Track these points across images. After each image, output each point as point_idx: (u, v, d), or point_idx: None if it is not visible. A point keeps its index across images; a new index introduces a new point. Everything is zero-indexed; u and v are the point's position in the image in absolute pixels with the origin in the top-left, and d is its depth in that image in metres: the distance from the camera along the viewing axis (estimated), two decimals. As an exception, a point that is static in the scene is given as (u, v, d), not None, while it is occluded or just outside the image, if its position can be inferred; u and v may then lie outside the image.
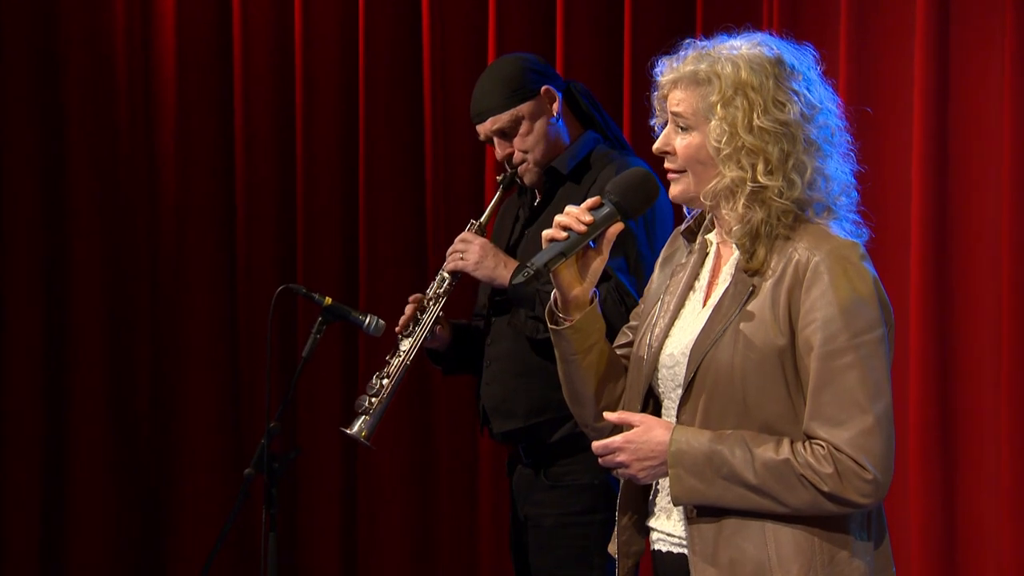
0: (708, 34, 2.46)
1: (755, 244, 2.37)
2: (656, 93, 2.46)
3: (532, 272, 2.37)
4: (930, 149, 3.71)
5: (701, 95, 2.38)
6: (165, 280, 5.15)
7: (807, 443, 2.30)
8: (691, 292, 2.48)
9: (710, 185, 2.39)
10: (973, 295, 3.70)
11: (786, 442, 2.30)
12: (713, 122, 2.37)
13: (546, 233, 2.42)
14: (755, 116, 2.35)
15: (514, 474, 3.56)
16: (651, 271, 3.34)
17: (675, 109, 2.41)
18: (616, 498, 2.49)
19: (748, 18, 4.02)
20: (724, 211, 2.39)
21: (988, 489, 3.68)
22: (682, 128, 2.41)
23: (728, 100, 2.36)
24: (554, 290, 2.47)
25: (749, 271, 2.37)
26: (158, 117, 5.15)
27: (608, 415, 2.37)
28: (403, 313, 3.55)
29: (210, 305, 5.12)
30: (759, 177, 2.35)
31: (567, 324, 2.47)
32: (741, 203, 2.36)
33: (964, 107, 3.70)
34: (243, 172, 5.07)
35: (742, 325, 2.34)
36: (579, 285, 2.45)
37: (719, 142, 2.36)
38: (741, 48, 2.40)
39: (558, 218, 2.42)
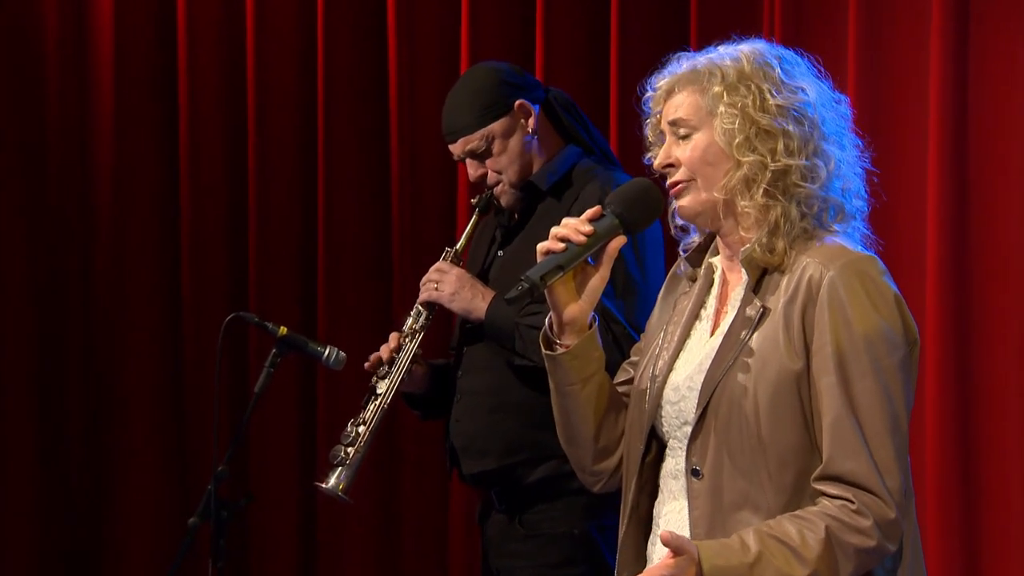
0: (703, 34, 2.47)
1: (773, 237, 2.36)
2: (649, 120, 2.47)
3: (527, 286, 2.36)
4: (947, 163, 3.72)
5: (702, 91, 2.39)
6: (100, 307, 5.13)
7: (826, 501, 2.28)
8: (697, 321, 2.47)
9: (723, 181, 2.38)
10: (996, 323, 3.70)
11: (812, 515, 2.27)
12: (722, 109, 2.37)
13: (541, 246, 2.41)
14: (767, 97, 2.36)
15: (486, 521, 3.54)
16: (641, 296, 3.33)
17: (672, 116, 2.41)
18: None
19: (747, 14, 4.04)
20: (740, 205, 2.37)
21: (1015, 535, 3.67)
22: (683, 136, 2.41)
23: (733, 87, 2.37)
24: (549, 314, 2.46)
25: (770, 268, 2.36)
26: (93, 126, 5.14)
27: (664, 537, 2.26)
28: (369, 346, 3.54)
29: (151, 335, 5.10)
30: (780, 158, 2.35)
31: (563, 350, 2.46)
32: (761, 192, 2.35)
33: (985, 117, 3.71)
34: (188, 189, 5.06)
35: (755, 350, 2.33)
36: (577, 306, 2.44)
37: (732, 125, 2.36)
38: (740, 47, 2.42)
39: (555, 230, 2.41)
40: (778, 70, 2.38)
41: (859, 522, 2.26)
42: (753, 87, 2.36)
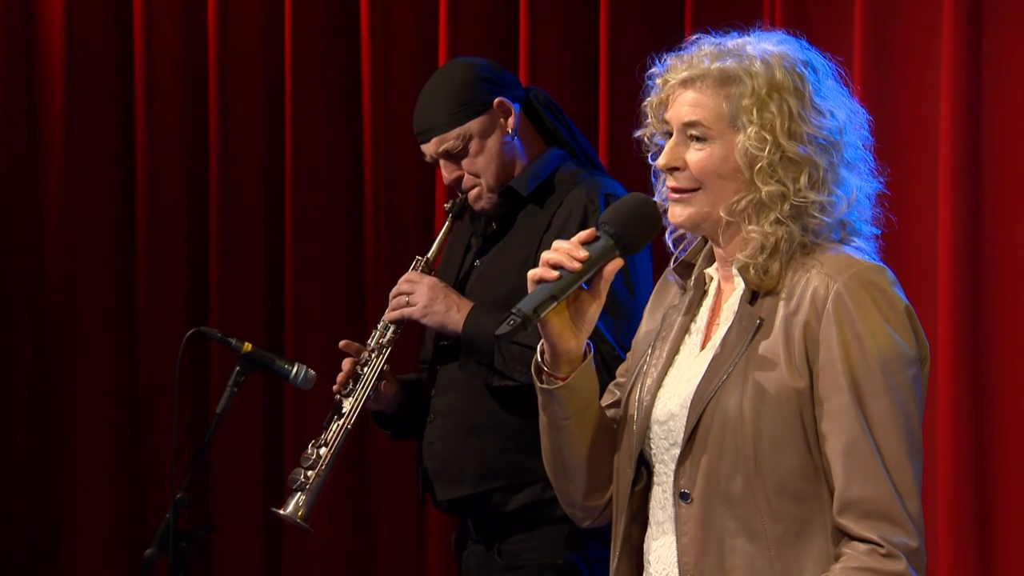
0: (699, 30, 2.44)
1: (770, 259, 2.35)
2: (652, 97, 2.43)
3: (519, 320, 2.33)
4: (960, 168, 3.72)
5: (728, 97, 2.35)
6: (50, 319, 5.11)
7: (851, 549, 2.26)
8: (687, 335, 2.46)
9: (732, 200, 2.36)
10: (1013, 336, 3.69)
11: (844, 573, 2.26)
12: (751, 128, 2.33)
13: (532, 273, 2.38)
14: (796, 121, 2.33)
15: (463, 552, 3.53)
16: (630, 314, 3.32)
17: (689, 117, 2.37)
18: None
19: (746, 7, 4.04)
20: (746, 229, 2.36)
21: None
22: (698, 138, 2.37)
23: (763, 102, 2.33)
24: (541, 342, 2.43)
25: (760, 291, 2.35)
26: (43, 126, 5.12)
27: None
28: (338, 364, 3.52)
29: (104, 351, 5.09)
30: (803, 192, 2.33)
31: (560, 382, 2.43)
32: (772, 220, 2.34)
33: (1000, 119, 3.71)
34: (145, 192, 5.05)
35: (750, 367, 2.32)
36: (572, 335, 2.41)
37: (760, 151, 2.32)
38: (766, 46, 2.38)
39: (546, 255, 2.38)
40: (809, 86, 2.35)
41: (893, 567, 2.25)
42: (784, 106, 2.33)
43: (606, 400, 2.56)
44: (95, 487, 5.07)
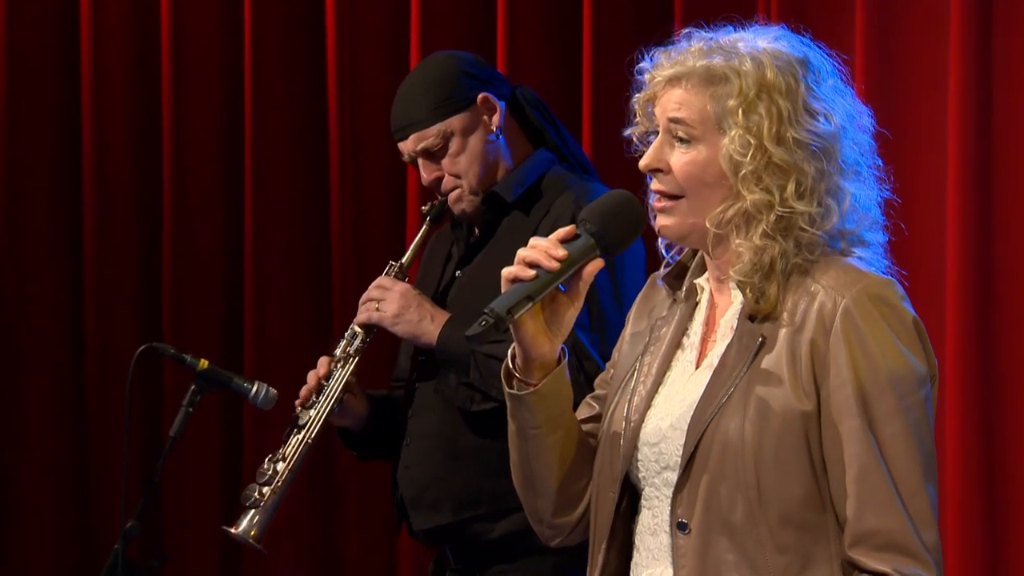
0: (689, 24, 2.44)
1: (766, 281, 2.34)
2: (640, 94, 2.43)
3: (491, 321, 2.32)
4: (969, 172, 3.73)
5: (714, 97, 2.35)
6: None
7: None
8: (678, 350, 2.45)
9: (717, 210, 2.36)
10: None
11: None
12: (735, 131, 2.33)
13: (507, 272, 2.37)
14: (785, 125, 2.33)
15: (440, 582, 3.54)
16: (618, 328, 3.32)
17: (675, 114, 2.37)
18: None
19: (742, 7, 4.04)
20: (734, 242, 2.36)
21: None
22: (682, 139, 2.37)
23: (751, 104, 2.33)
24: (512, 345, 2.42)
25: (757, 315, 2.34)
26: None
27: None
28: (301, 382, 3.51)
29: (49, 368, 5.07)
30: (790, 201, 2.33)
31: (530, 388, 2.42)
32: (760, 232, 2.34)
33: (1012, 118, 3.72)
34: (93, 198, 5.04)
35: (753, 387, 2.31)
36: (547, 339, 2.40)
37: (743, 156, 2.32)
38: (760, 42, 2.37)
39: (522, 252, 2.37)
40: (803, 87, 2.35)
41: None
42: (773, 108, 2.33)
43: (583, 413, 2.55)
44: (38, 515, 5.05)
